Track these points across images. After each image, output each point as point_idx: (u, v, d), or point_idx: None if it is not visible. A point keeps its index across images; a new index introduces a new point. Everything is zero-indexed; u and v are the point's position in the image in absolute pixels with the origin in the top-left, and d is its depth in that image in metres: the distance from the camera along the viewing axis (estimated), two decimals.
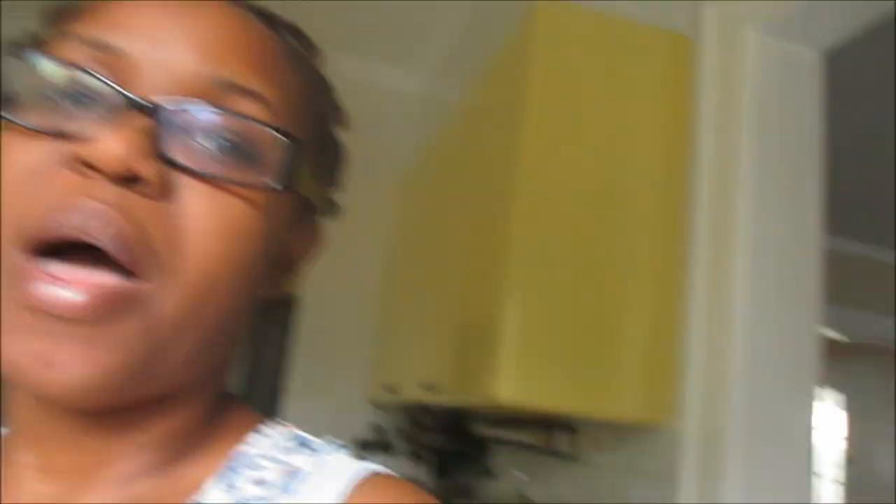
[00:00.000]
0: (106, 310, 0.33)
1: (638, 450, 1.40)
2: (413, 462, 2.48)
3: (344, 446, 0.43)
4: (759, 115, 1.30)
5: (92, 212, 0.33)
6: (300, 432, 0.43)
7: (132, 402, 0.37)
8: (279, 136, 0.37)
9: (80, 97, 0.36)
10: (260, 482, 0.39)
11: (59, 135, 0.34)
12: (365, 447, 2.48)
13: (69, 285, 0.32)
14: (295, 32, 0.44)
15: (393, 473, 0.40)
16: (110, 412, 0.37)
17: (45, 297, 0.32)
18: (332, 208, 0.47)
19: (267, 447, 0.42)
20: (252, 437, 0.42)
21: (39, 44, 0.38)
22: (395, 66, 2.66)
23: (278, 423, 0.44)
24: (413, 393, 1.80)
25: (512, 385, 1.26)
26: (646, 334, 1.33)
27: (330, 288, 2.50)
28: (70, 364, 0.33)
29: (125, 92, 0.35)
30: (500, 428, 1.88)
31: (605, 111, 1.40)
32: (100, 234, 0.33)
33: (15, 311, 0.33)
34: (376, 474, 0.40)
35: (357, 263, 2.62)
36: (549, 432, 1.68)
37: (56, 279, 0.32)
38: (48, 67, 0.36)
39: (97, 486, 0.38)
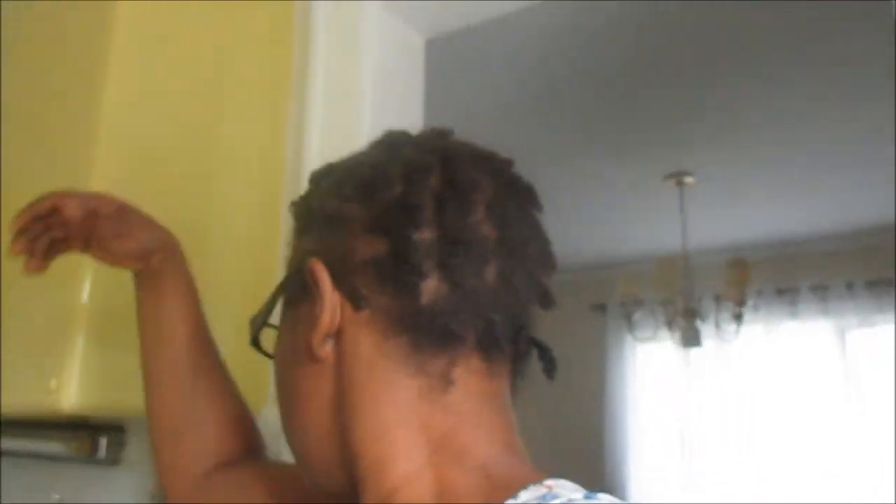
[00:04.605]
0: None
1: None
2: None
3: (584, 497, 0.42)
4: (373, 90, 1.21)
5: None
6: (548, 494, 0.42)
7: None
8: None
9: None
10: None
11: None
12: None
13: None
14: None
15: None
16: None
17: None
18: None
19: None
20: None
21: None
22: None
23: (541, 484, 0.43)
24: None
25: (78, 386, 0.93)
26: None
27: None
28: None
29: None
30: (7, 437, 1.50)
31: (202, 58, 1.16)
32: None
33: None
34: None
35: None
36: (87, 436, 1.37)
37: None
38: None
39: None
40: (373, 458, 0.48)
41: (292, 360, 0.54)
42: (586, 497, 0.42)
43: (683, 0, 1.97)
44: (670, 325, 3.35)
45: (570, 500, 0.41)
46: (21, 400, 1.01)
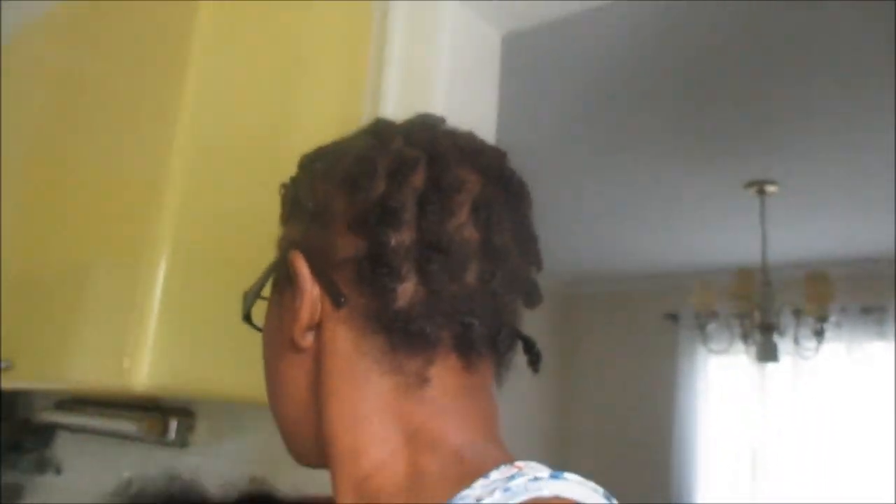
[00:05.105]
0: None
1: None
2: None
3: (549, 476, 0.43)
4: (449, 86, 1.21)
5: None
6: (517, 473, 0.43)
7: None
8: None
9: None
10: None
11: None
12: None
13: None
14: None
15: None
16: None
17: None
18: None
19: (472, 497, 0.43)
20: (466, 491, 0.43)
21: None
22: None
23: (512, 465, 0.45)
24: None
25: (150, 366, 0.94)
26: None
27: None
28: None
29: None
30: (74, 412, 1.52)
31: (279, 58, 1.16)
32: None
33: None
34: None
35: None
36: (159, 418, 1.41)
37: None
38: None
39: None
40: (346, 445, 0.50)
41: (276, 345, 0.56)
42: (552, 476, 0.43)
43: (765, 1, 1.90)
44: (746, 338, 3.24)
45: (535, 476, 0.43)
46: (94, 377, 1.04)
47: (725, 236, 3.82)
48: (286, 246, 0.56)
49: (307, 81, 1.21)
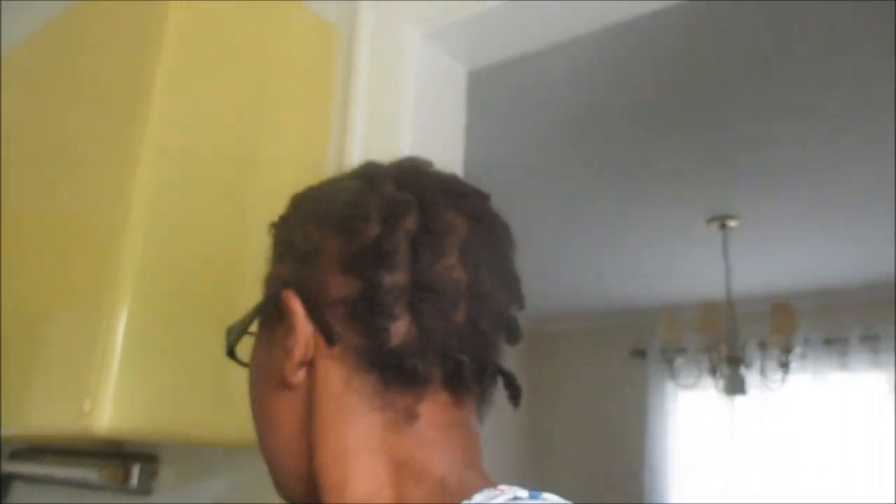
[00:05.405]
0: None
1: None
2: None
3: (528, 496, 0.45)
4: (414, 122, 1.21)
5: None
6: (498, 494, 0.45)
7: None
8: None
9: None
10: None
11: None
12: None
13: None
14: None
15: None
16: None
17: None
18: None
19: None
20: None
21: None
22: None
23: (494, 488, 0.46)
24: None
25: (111, 408, 0.92)
26: None
27: None
28: None
29: None
30: (31, 462, 1.47)
31: (243, 99, 1.16)
32: None
33: None
34: None
35: None
36: (120, 464, 1.37)
37: None
38: None
39: None
40: (336, 479, 0.50)
41: (265, 382, 0.57)
42: (531, 496, 0.44)
43: (726, 34, 1.96)
44: (714, 371, 3.26)
45: (515, 496, 0.44)
46: (55, 422, 1.01)
47: (690, 271, 3.87)
48: (278, 285, 0.57)
49: (272, 121, 1.20)
